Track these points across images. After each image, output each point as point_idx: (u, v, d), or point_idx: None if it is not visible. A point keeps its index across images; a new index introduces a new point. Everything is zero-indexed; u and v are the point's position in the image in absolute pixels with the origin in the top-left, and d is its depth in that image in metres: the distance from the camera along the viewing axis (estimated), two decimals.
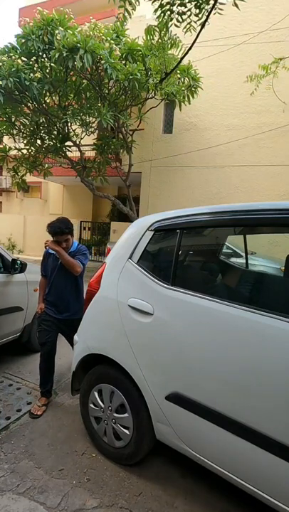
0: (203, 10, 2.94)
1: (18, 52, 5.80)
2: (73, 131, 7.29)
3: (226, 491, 1.64)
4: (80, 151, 7.42)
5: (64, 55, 5.21)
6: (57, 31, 5.37)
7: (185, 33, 3.23)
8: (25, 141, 7.40)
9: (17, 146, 7.35)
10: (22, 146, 7.44)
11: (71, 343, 2.45)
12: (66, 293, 2.43)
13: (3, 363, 3.01)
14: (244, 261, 2.80)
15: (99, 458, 1.90)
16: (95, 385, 1.92)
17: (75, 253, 2.41)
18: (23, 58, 5.59)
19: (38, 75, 5.67)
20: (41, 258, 2.61)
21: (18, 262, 2.95)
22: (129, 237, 1.92)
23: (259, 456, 1.26)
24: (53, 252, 2.36)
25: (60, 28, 5.40)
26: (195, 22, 3.09)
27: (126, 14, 3.17)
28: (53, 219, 2.41)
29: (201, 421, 1.43)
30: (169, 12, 3.04)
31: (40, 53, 5.83)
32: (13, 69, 5.40)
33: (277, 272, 3.09)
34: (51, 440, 2.03)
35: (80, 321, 2.13)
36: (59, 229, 2.29)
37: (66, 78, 6.07)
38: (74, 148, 7.43)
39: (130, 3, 3.07)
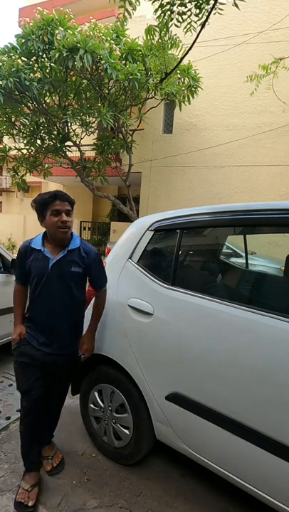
0: (204, 10, 2.94)
1: (18, 52, 5.80)
2: (73, 131, 7.29)
3: (225, 490, 1.64)
4: (80, 151, 7.42)
5: (64, 55, 5.21)
6: (57, 31, 5.37)
7: (185, 33, 3.23)
8: (25, 141, 7.41)
9: (17, 146, 7.36)
10: (22, 146, 7.44)
11: (62, 396, 1.81)
12: (63, 313, 1.59)
13: (3, 363, 3.00)
14: (244, 261, 2.80)
15: (99, 458, 1.90)
16: (95, 385, 1.92)
17: (81, 256, 1.58)
18: (23, 58, 5.59)
19: (38, 75, 5.68)
20: None
21: None
22: (129, 237, 1.92)
23: (259, 456, 1.26)
24: (38, 247, 1.56)
25: (60, 28, 5.40)
26: (195, 22, 3.09)
27: (126, 14, 3.16)
28: None
29: (201, 421, 1.43)
30: (169, 12, 3.04)
31: (40, 53, 5.84)
32: (13, 69, 5.40)
33: (277, 272, 3.09)
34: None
35: (77, 362, 1.71)
36: (60, 193, 1.54)
37: (66, 78, 6.08)
38: (74, 148, 7.43)
39: (130, 3, 3.07)
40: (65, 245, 1.57)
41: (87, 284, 1.73)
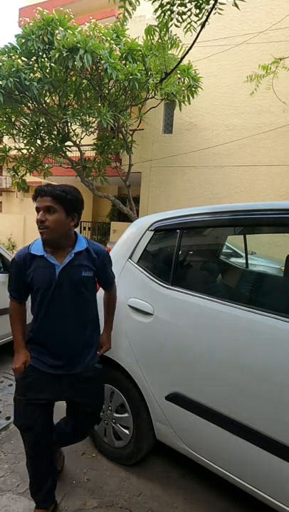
0: (204, 10, 2.93)
1: (18, 52, 5.80)
2: (73, 131, 7.29)
3: (225, 490, 1.64)
4: (80, 151, 7.42)
5: (64, 55, 5.21)
6: (57, 31, 5.37)
7: (185, 33, 3.22)
8: (25, 141, 7.40)
9: (17, 146, 7.35)
10: (22, 146, 7.44)
11: (86, 425, 1.55)
12: (78, 326, 1.39)
13: (3, 363, 3.00)
14: (244, 261, 2.80)
15: (99, 458, 1.90)
16: None
17: (91, 258, 1.39)
18: (23, 58, 5.59)
19: (38, 75, 5.68)
20: None
21: None
22: (129, 237, 1.91)
23: (259, 456, 1.26)
24: (40, 253, 1.33)
25: (60, 28, 5.40)
26: (195, 22, 3.08)
27: (126, 14, 3.16)
28: None
29: (201, 421, 1.43)
30: (169, 12, 3.03)
31: (40, 53, 5.84)
32: (13, 69, 5.40)
33: (277, 272, 3.09)
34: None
35: (98, 374, 1.46)
36: (44, 187, 1.28)
37: (66, 78, 6.07)
38: (74, 148, 7.43)
39: (130, 3, 3.06)
40: (65, 247, 1.34)
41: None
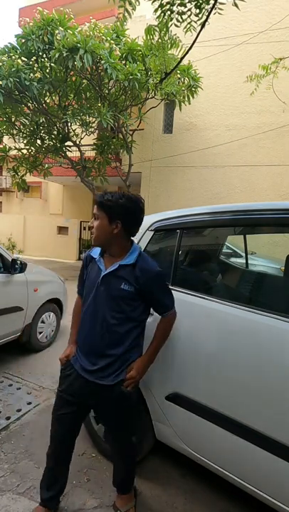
0: (204, 10, 2.93)
1: (18, 52, 5.81)
2: (73, 131, 7.30)
3: (225, 490, 1.64)
4: (80, 151, 7.42)
5: (64, 55, 5.22)
6: (57, 31, 5.38)
7: (185, 33, 3.22)
8: (25, 141, 7.42)
9: (17, 146, 7.36)
10: (22, 146, 7.45)
11: (121, 443, 1.47)
12: (107, 334, 1.32)
13: (3, 363, 3.00)
14: (244, 261, 2.80)
15: (99, 458, 1.90)
16: None
17: (134, 275, 1.30)
18: (23, 58, 5.60)
19: (38, 75, 5.69)
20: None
21: (18, 261, 2.95)
22: None
23: (259, 456, 1.26)
24: (95, 256, 1.41)
25: (60, 28, 5.41)
26: (195, 22, 3.08)
27: (126, 14, 3.16)
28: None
29: (201, 421, 1.43)
30: (169, 12, 3.03)
31: (40, 53, 5.85)
32: (13, 69, 5.41)
33: (277, 272, 3.09)
34: None
35: (125, 398, 1.33)
36: (98, 195, 1.34)
37: (66, 78, 6.09)
38: (74, 148, 7.43)
39: (130, 3, 3.06)
40: (116, 256, 1.34)
41: None
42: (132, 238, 1.39)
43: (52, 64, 5.71)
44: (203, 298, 1.47)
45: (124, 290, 1.30)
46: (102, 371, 1.32)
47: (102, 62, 5.36)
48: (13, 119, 6.98)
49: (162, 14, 3.05)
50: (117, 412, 1.37)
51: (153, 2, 2.99)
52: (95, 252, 1.43)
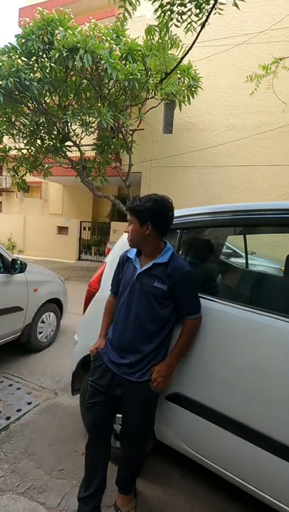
0: (204, 10, 2.93)
1: (18, 52, 5.81)
2: (73, 131, 7.30)
3: (226, 490, 1.64)
4: (80, 151, 7.42)
5: (64, 55, 5.22)
6: (57, 31, 5.38)
7: (185, 33, 3.22)
8: (25, 141, 7.42)
9: (17, 146, 7.36)
10: (22, 146, 7.45)
11: (132, 447, 1.50)
12: (138, 330, 1.39)
13: (3, 363, 3.00)
14: (244, 261, 2.80)
15: None
16: None
17: (166, 273, 1.37)
18: (23, 58, 5.60)
19: (38, 75, 5.68)
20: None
21: (18, 261, 2.95)
22: None
23: (259, 456, 1.26)
24: (131, 256, 1.50)
25: (60, 28, 5.41)
26: (195, 22, 3.08)
27: (126, 14, 3.16)
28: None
29: (201, 421, 1.43)
30: (169, 12, 3.03)
31: (40, 53, 5.85)
32: (13, 69, 5.41)
33: (277, 272, 3.09)
34: (51, 440, 2.02)
35: (148, 399, 1.40)
36: (129, 204, 1.42)
37: (66, 78, 6.08)
38: (74, 148, 7.43)
39: (130, 3, 3.06)
40: (149, 256, 1.43)
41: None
42: (165, 240, 1.47)
43: (52, 64, 5.71)
44: (204, 298, 1.47)
45: (156, 288, 1.38)
46: (129, 367, 1.39)
47: (102, 62, 5.36)
48: (13, 119, 6.98)
49: (162, 14, 3.05)
50: (137, 409, 1.42)
51: (153, 2, 2.99)
52: (131, 252, 1.52)
